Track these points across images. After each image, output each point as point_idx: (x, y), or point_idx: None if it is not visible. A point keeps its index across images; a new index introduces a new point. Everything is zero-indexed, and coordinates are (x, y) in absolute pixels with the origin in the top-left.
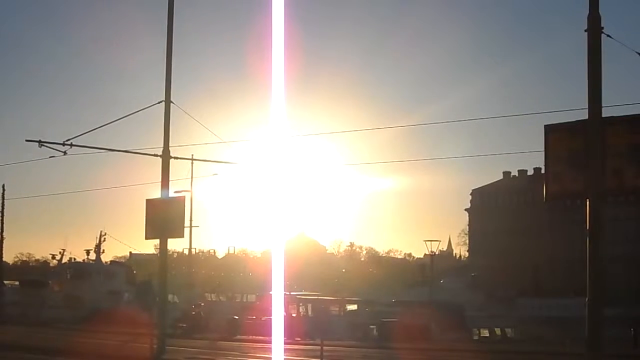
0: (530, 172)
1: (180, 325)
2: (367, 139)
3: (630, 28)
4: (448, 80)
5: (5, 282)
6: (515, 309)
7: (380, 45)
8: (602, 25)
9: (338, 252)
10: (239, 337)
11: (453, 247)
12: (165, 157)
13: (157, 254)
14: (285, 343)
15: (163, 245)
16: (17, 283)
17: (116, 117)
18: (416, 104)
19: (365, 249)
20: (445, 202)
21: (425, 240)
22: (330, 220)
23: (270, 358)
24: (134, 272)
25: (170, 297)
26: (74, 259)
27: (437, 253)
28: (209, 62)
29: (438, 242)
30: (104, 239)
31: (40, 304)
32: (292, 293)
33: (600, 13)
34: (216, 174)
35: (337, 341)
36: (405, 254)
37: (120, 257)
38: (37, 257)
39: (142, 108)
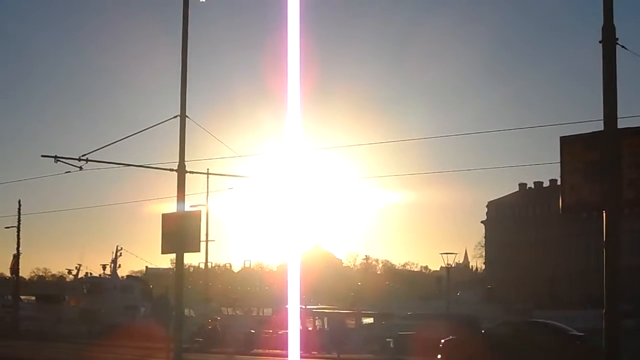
0: (546, 184)
1: (197, 339)
2: (381, 152)
3: None
4: (463, 92)
5: (22, 297)
6: None
7: (394, 59)
8: (616, 37)
9: (354, 265)
10: (255, 351)
11: (469, 260)
12: (181, 171)
13: (173, 269)
14: (301, 357)
15: (179, 260)
16: (33, 298)
17: (132, 132)
18: (431, 116)
19: (382, 262)
20: (462, 214)
21: (441, 253)
22: (346, 233)
23: None
24: (151, 286)
25: (186, 311)
26: (90, 273)
27: (453, 266)
28: (224, 76)
29: (454, 255)
30: (120, 253)
31: (56, 319)
32: (308, 306)
33: (615, 24)
34: (232, 188)
35: (354, 354)
36: (421, 266)
37: (137, 272)
38: (53, 272)
39: (157, 123)
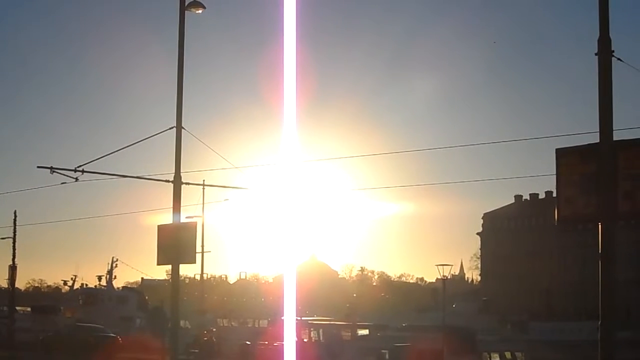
0: (542, 196)
1: (193, 350)
2: (377, 163)
3: None
4: (459, 104)
5: (18, 308)
6: (528, 333)
7: (391, 71)
8: (612, 49)
9: (350, 276)
10: None
11: (465, 271)
12: (177, 182)
13: (169, 280)
14: None
15: (175, 271)
16: (29, 309)
17: (128, 143)
18: (428, 128)
19: (377, 274)
20: (457, 226)
21: (437, 265)
22: (342, 245)
23: None
24: (146, 297)
25: (182, 322)
26: (86, 285)
27: (449, 277)
28: (220, 88)
29: (450, 267)
30: (116, 265)
31: (52, 330)
32: (303, 318)
33: (611, 36)
34: (227, 200)
35: None
36: (417, 278)
37: (132, 283)
38: (49, 284)
39: (153, 134)
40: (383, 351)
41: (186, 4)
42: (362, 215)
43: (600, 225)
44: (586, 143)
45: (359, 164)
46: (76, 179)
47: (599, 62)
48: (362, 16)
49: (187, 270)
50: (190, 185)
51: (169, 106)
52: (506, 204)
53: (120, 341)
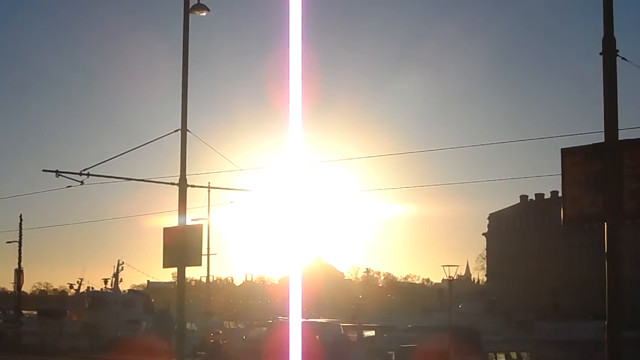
0: (547, 196)
1: (199, 353)
2: (383, 164)
3: None
4: (464, 104)
5: (24, 311)
6: (534, 333)
7: (395, 72)
8: (617, 48)
9: (355, 278)
10: None
11: (471, 272)
12: (182, 185)
13: (175, 282)
14: None
15: (181, 274)
16: (35, 312)
17: (133, 146)
18: (432, 129)
19: (383, 275)
20: (463, 227)
21: (443, 266)
22: (347, 246)
23: None
24: (152, 300)
25: (188, 325)
26: (92, 288)
27: (455, 278)
28: (225, 90)
29: (456, 267)
30: (122, 267)
31: (58, 333)
32: (309, 319)
33: (615, 36)
34: (233, 202)
35: None
36: (423, 279)
37: (138, 286)
38: (55, 287)
39: (158, 137)
40: (390, 352)
41: (190, 6)
42: (367, 217)
43: (606, 225)
44: (591, 143)
45: (364, 166)
46: (82, 182)
47: (604, 62)
48: (367, 17)
49: (193, 273)
50: (195, 188)
51: (173, 109)
52: (512, 204)
53: None
